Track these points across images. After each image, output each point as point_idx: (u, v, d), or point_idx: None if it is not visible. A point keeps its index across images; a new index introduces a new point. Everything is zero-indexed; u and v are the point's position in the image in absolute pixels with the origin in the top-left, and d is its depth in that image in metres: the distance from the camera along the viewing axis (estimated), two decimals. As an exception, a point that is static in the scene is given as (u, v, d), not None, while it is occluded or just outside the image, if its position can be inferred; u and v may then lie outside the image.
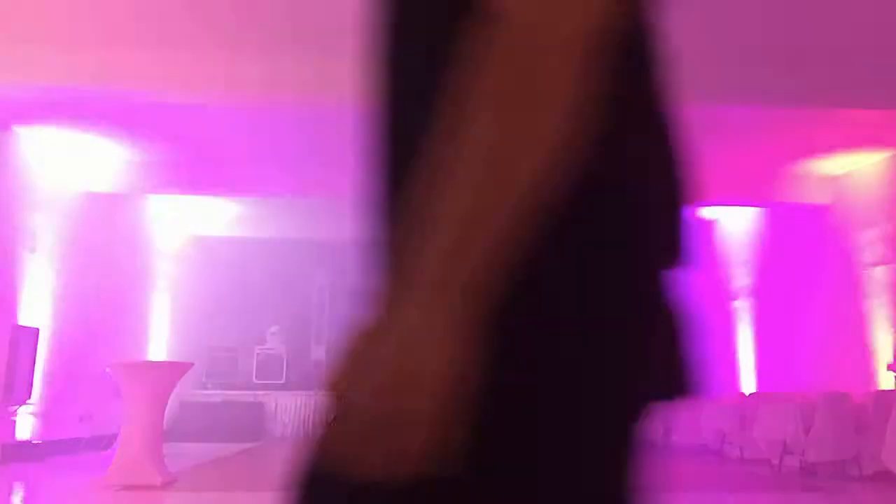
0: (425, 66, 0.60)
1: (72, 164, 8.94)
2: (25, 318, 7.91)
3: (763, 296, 11.13)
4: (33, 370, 7.84)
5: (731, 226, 12.12)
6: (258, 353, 12.93)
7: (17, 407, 7.73)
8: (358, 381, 0.52)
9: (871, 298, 8.71)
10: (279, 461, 9.01)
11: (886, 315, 8.43)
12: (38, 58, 6.10)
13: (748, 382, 11.21)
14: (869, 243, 8.83)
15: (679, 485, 7.17)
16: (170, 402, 6.46)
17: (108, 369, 6.41)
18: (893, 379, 8.10)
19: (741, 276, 11.71)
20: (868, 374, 8.51)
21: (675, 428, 9.81)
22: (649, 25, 0.66)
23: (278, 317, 14.70)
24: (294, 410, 12.09)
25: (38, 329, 7.97)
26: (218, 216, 12.34)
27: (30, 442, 7.91)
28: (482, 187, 0.51)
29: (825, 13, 5.56)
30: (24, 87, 6.29)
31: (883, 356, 8.34)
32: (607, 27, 0.53)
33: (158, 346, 11.28)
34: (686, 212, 0.71)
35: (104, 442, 8.80)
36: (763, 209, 11.02)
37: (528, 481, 0.56)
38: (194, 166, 9.43)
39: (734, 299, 11.85)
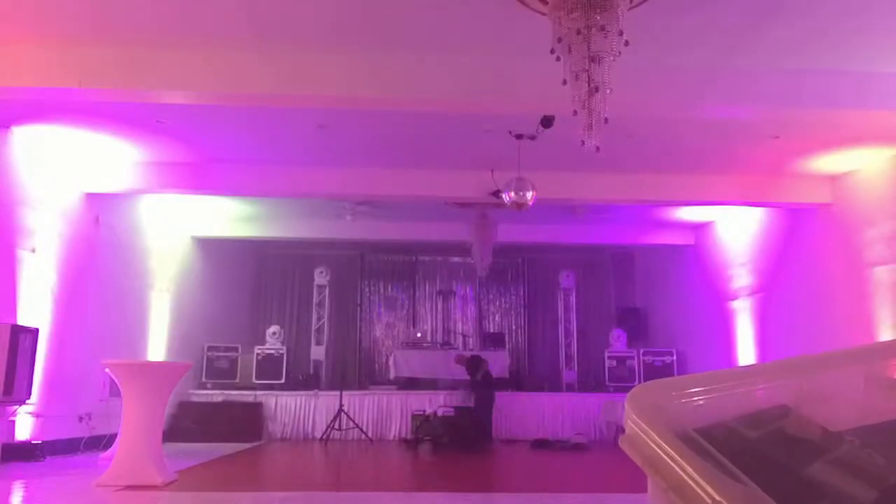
0: None
1: (71, 164, 8.93)
2: (25, 318, 7.90)
3: (764, 295, 11.12)
4: (33, 370, 7.83)
5: (732, 226, 12.12)
6: (258, 353, 12.92)
7: (16, 407, 7.73)
8: None
9: (872, 298, 8.70)
10: (279, 461, 9.04)
11: (888, 315, 8.42)
12: (38, 58, 6.09)
13: (748, 382, 11.18)
14: (870, 243, 8.83)
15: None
16: (169, 402, 6.45)
17: (107, 369, 6.40)
18: (894, 379, 8.09)
19: (741, 277, 11.71)
20: (868, 374, 8.49)
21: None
22: None
23: (278, 317, 14.71)
24: (294, 410, 12.08)
25: (37, 329, 7.96)
26: (218, 216, 12.34)
27: (29, 442, 7.90)
28: None
29: (826, 12, 5.55)
30: (24, 87, 6.27)
31: (883, 356, 8.33)
32: None
33: (158, 347, 11.27)
34: None
35: (104, 442, 8.79)
36: (763, 209, 11.01)
37: None
38: (194, 166, 9.43)
39: (734, 300, 11.84)
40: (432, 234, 12.81)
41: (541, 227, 12.66)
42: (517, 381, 13.49)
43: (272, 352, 12.99)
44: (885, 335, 8.41)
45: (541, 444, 10.99)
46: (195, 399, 12.04)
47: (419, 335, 13.52)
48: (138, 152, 8.93)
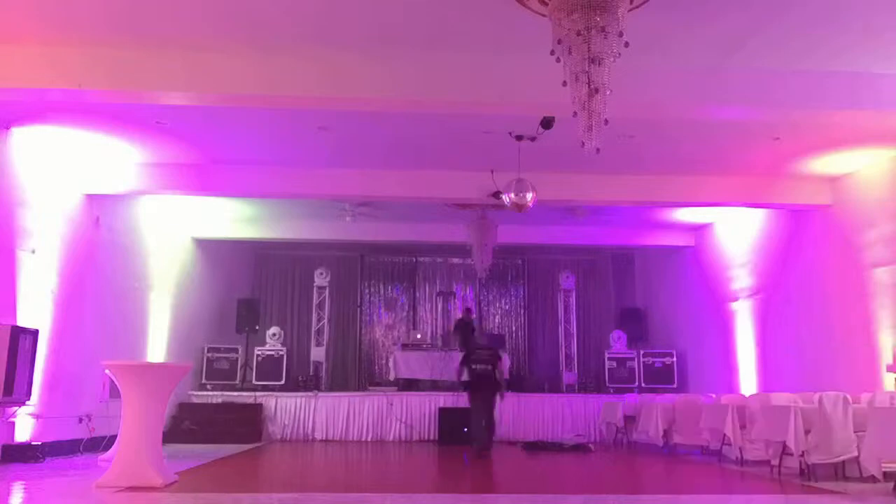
0: None
1: (71, 165, 8.93)
2: (25, 319, 7.90)
3: (764, 297, 11.12)
4: (33, 371, 7.83)
5: (732, 227, 12.11)
6: (258, 354, 12.92)
7: (16, 408, 7.72)
8: None
9: (872, 299, 8.70)
10: (279, 462, 9.03)
11: (888, 316, 8.41)
12: (38, 58, 6.09)
13: (748, 383, 11.20)
14: (870, 244, 8.82)
15: (679, 486, 7.16)
16: (169, 403, 6.44)
17: (107, 370, 6.40)
18: (894, 380, 8.09)
19: (741, 278, 11.70)
20: (869, 374, 8.50)
21: (675, 429, 9.81)
22: None
23: (278, 317, 14.71)
24: (294, 412, 12.08)
25: (37, 330, 7.96)
26: (218, 217, 12.33)
27: (29, 443, 7.90)
28: None
29: (828, 13, 5.55)
30: (24, 88, 6.27)
31: (884, 357, 8.34)
32: None
33: (158, 348, 11.27)
34: None
35: (104, 443, 8.79)
36: (763, 210, 11.01)
37: None
38: (194, 167, 9.43)
39: (734, 301, 11.84)
40: (432, 236, 12.82)
41: (541, 228, 12.66)
42: (517, 383, 13.49)
43: (272, 353, 12.99)
44: (884, 336, 8.41)
45: (533, 447, 10.94)
46: (195, 400, 12.05)
47: (419, 336, 13.52)
48: (138, 153, 8.93)
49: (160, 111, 7.49)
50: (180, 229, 12.26)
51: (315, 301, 14.35)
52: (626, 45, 4.43)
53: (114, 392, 7.41)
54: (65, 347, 8.72)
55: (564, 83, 4.52)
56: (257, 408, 11.97)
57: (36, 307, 8.18)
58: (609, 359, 13.61)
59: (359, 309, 15.41)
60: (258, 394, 12.21)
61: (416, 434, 11.98)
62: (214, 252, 13.37)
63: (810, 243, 10.10)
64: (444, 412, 11.81)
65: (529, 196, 8.36)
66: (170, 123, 7.96)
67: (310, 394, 12.29)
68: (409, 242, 14.00)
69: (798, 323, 10.11)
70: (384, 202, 11.04)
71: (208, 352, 12.81)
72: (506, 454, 10.07)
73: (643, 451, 10.39)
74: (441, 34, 5.90)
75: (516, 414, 12.23)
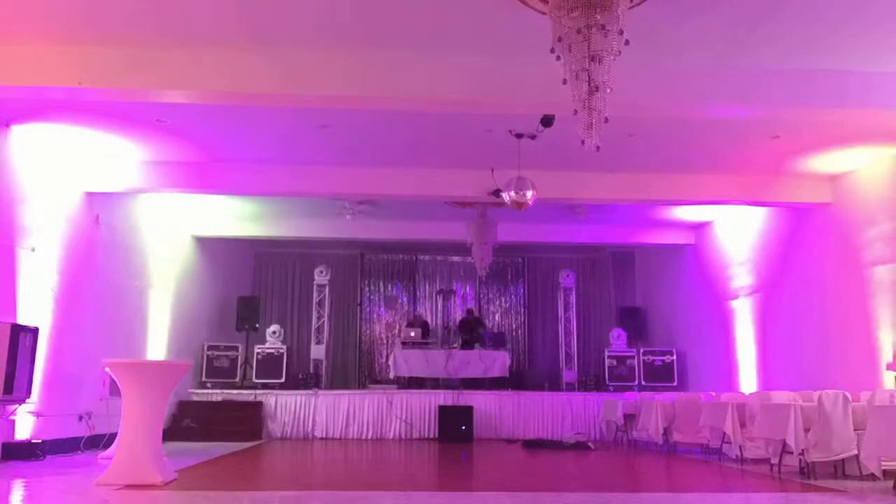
0: None
1: (71, 162, 8.93)
2: (25, 317, 7.90)
3: (764, 295, 11.12)
4: (33, 369, 7.83)
5: (732, 225, 12.12)
6: (258, 352, 12.93)
7: (16, 406, 7.73)
8: None
9: (872, 297, 8.70)
10: (279, 460, 9.03)
11: (888, 314, 8.41)
12: (38, 57, 6.09)
13: (748, 382, 11.21)
14: (870, 242, 8.83)
15: (679, 484, 7.16)
16: (169, 401, 6.44)
17: (107, 368, 6.40)
18: (894, 378, 8.09)
19: (741, 276, 11.71)
20: (869, 373, 8.51)
21: (675, 427, 9.81)
22: None
23: (278, 315, 14.71)
24: (294, 410, 12.09)
25: (37, 328, 7.96)
26: (218, 215, 12.33)
27: (29, 441, 7.90)
28: None
29: (827, 13, 5.55)
30: (24, 86, 6.26)
31: (884, 355, 8.34)
32: None
33: (158, 346, 11.27)
34: None
35: (104, 441, 8.80)
36: (763, 209, 11.01)
37: None
38: (195, 165, 9.43)
39: (734, 299, 11.84)
40: (432, 234, 12.82)
41: (541, 226, 12.67)
42: (517, 381, 13.50)
43: (272, 351, 13.00)
44: (884, 334, 8.41)
45: (533, 445, 10.94)
46: (195, 398, 12.06)
47: (412, 334, 13.54)
48: (139, 151, 8.93)
49: (161, 109, 7.49)
50: (180, 227, 12.26)
51: (315, 299, 14.36)
52: (627, 42, 4.43)
53: (114, 390, 7.40)
54: (65, 345, 8.73)
55: (565, 81, 4.53)
56: (257, 406, 11.98)
57: (36, 305, 8.18)
58: (609, 357, 13.62)
59: (359, 307, 15.42)
60: (258, 392, 12.22)
61: (415, 432, 11.99)
62: (214, 250, 13.37)
63: (810, 241, 10.10)
64: (443, 410, 11.83)
65: (529, 194, 8.35)
66: (170, 121, 7.95)
67: (310, 392, 12.30)
68: (409, 240, 14.00)
69: (798, 321, 10.12)
70: (384, 200, 11.04)
71: (208, 350, 12.82)
72: (506, 452, 10.08)
73: (643, 449, 10.40)
74: (442, 33, 5.89)
75: (516, 412, 12.24)
